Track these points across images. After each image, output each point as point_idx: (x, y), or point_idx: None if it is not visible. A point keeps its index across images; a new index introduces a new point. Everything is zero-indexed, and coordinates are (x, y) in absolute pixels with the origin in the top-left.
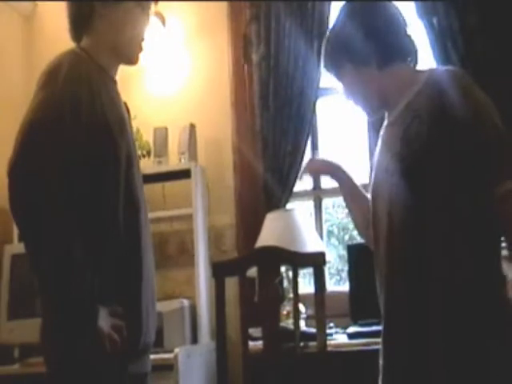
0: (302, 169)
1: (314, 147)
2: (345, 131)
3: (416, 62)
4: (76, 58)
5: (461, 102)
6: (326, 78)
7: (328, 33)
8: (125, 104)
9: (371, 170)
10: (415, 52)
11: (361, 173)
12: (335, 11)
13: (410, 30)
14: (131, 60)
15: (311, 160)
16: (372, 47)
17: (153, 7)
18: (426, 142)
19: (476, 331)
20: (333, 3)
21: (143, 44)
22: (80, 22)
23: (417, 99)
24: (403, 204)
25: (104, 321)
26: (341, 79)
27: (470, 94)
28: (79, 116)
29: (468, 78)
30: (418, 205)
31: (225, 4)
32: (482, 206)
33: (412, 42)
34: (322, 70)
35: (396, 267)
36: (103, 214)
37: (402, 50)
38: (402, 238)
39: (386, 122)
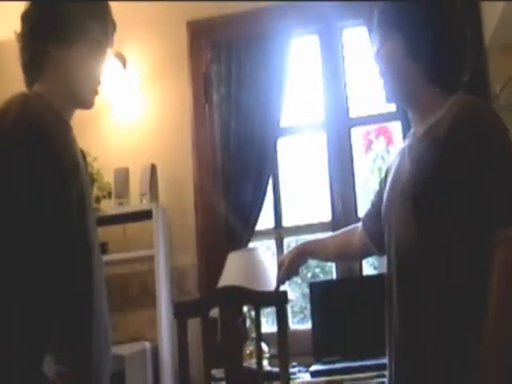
0: (277, 278)
1: (275, 186)
2: (305, 170)
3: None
4: (26, 101)
5: (474, 139)
6: (287, 118)
7: None
8: (81, 151)
9: (385, 187)
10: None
11: (322, 211)
12: (295, 50)
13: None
14: (86, 104)
15: (279, 268)
16: (433, 46)
17: (109, 50)
18: (436, 171)
19: (472, 334)
20: (293, 43)
21: (99, 88)
22: (34, 67)
23: (435, 128)
24: (412, 227)
25: (49, 367)
26: (383, 44)
27: (486, 132)
28: (28, 161)
29: (488, 113)
30: (424, 228)
31: (185, 44)
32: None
33: (465, 68)
34: (283, 109)
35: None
36: (53, 257)
37: (456, 68)
38: (408, 259)
39: (407, 141)
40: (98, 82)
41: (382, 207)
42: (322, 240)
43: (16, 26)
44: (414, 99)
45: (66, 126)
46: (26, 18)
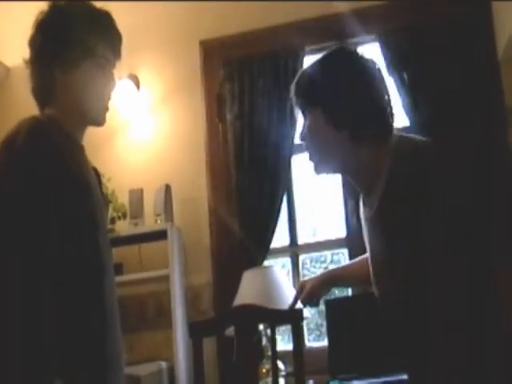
0: (294, 298)
1: (290, 204)
2: (320, 187)
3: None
4: (36, 123)
5: (437, 186)
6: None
7: (312, 67)
8: (95, 169)
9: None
10: (391, 127)
11: (336, 228)
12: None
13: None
14: (98, 121)
15: (299, 291)
16: (351, 112)
17: (122, 70)
18: (415, 229)
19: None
20: (305, 60)
21: (109, 104)
22: (43, 92)
23: (391, 186)
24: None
25: None
26: (304, 116)
27: (441, 176)
28: (37, 181)
29: (440, 157)
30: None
31: (198, 64)
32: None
33: (391, 116)
34: (297, 126)
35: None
36: (62, 279)
37: (381, 124)
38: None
39: (366, 211)
40: (109, 98)
41: (371, 276)
42: (349, 265)
43: (26, 51)
44: (348, 165)
45: (77, 146)
46: (31, 44)
